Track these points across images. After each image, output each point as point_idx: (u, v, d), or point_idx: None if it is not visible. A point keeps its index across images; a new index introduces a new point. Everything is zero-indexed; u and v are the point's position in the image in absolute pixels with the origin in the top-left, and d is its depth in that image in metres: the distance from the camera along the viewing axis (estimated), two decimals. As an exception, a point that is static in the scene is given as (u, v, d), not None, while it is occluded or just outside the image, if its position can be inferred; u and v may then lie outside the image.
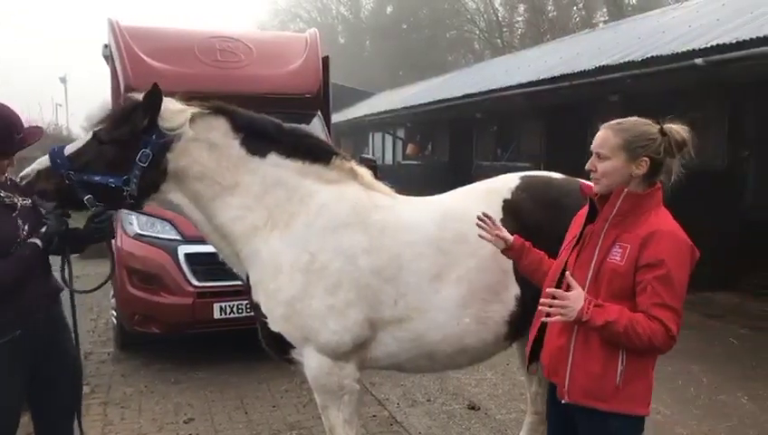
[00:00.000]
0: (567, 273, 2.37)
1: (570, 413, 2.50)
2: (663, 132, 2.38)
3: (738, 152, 9.69)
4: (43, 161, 3.01)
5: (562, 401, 2.43)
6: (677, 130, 2.39)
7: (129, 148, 2.96)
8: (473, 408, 5.17)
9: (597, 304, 2.26)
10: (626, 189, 2.37)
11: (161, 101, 2.97)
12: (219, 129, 3.08)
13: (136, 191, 2.99)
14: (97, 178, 2.95)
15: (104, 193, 2.99)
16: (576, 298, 2.26)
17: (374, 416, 5.02)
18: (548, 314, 2.34)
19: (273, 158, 3.12)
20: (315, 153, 3.19)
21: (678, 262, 2.28)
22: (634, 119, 2.45)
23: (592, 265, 2.39)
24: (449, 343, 3.10)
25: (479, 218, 2.85)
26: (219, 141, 3.07)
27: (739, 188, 9.53)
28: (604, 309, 2.25)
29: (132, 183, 2.97)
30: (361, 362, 3.15)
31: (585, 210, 2.60)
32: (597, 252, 2.39)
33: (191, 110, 3.05)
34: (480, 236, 2.85)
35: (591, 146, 2.45)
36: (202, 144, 3.04)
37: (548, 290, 2.36)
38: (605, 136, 2.42)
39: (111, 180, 2.96)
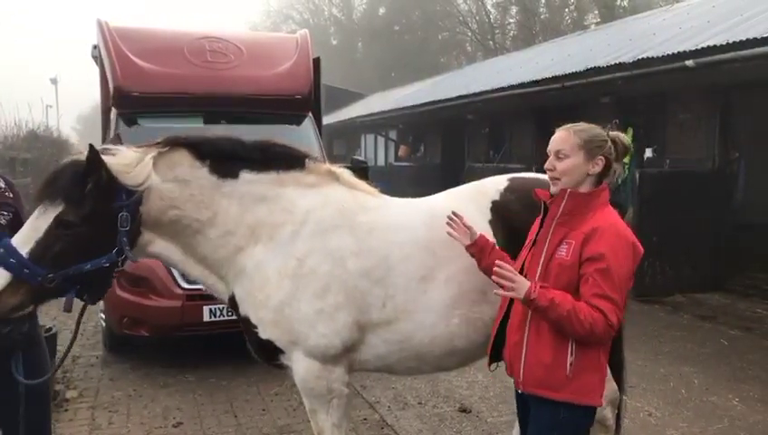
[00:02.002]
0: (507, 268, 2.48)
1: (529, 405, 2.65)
2: (611, 138, 2.57)
3: (728, 153, 9.71)
4: None
5: (519, 391, 2.58)
6: (622, 137, 2.61)
7: (106, 218, 2.70)
8: (464, 410, 5.15)
9: (543, 285, 2.41)
10: (569, 190, 2.51)
11: (101, 159, 2.67)
12: (183, 163, 2.91)
13: (131, 253, 2.79)
14: (88, 267, 2.67)
15: (96, 276, 2.74)
16: (523, 281, 2.40)
17: (365, 419, 4.99)
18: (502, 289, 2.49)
19: (245, 176, 2.99)
20: (287, 160, 3.10)
21: (618, 257, 2.40)
22: (586, 123, 2.61)
23: (541, 261, 2.52)
24: (438, 344, 3.07)
25: (449, 218, 2.92)
26: (187, 176, 2.91)
27: (729, 190, 9.56)
28: (549, 290, 2.39)
29: (126, 251, 2.75)
30: (350, 365, 3.12)
31: (539, 216, 2.73)
32: (545, 249, 2.52)
33: (150, 154, 2.84)
34: (448, 233, 2.91)
35: (549, 147, 2.58)
36: (170, 184, 2.87)
37: (497, 263, 2.46)
38: (564, 136, 2.56)
39: (104, 260, 2.70)
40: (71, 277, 2.67)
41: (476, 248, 2.87)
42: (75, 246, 2.65)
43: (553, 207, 2.54)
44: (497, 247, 2.91)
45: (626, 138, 2.61)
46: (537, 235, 2.63)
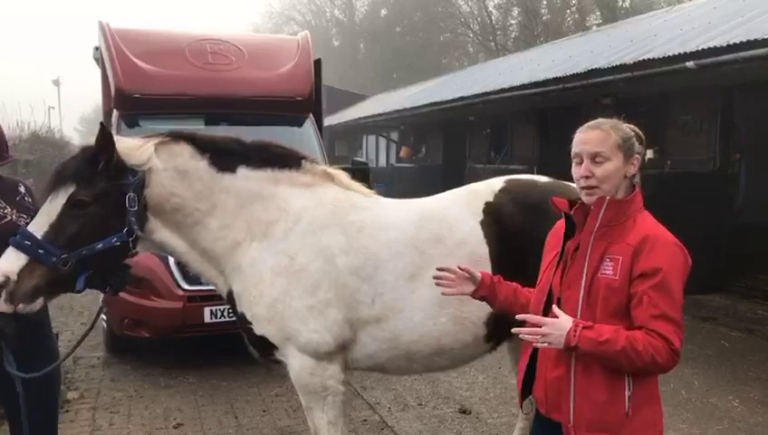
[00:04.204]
0: (554, 306, 2.15)
1: None
2: (633, 132, 2.24)
3: (730, 155, 9.71)
4: (12, 261, 2.64)
5: (538, 420, 2.23)
6: (637, 128, 2.27)
7: (115, 198, 2.83)
8: (464, 412, 5.15)
9: (586, 325, 2.04)
10: (607, 197, 2.17)
11: (112, 137, 2.85)
12: (183, 154, 3.04)
13: (141, 233, 2.91)
14: (100, 246, 2.78)
15: (108, 257, 2.87)
16: (560, 323, 2.05)
17: (365, 420, 5.00)
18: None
19: (242, 171, 3.10)
20: (283, 160, 3.19)
21: (674, 269, 2.09)
22: (610, 119, 2.27)
23: (582, 282, 2.16)
24: (426, 343, 3.11)
25: (435, 277, 2.57)
26: (187, 166, 3.03)
27: (730, 191, 9.56)
28: (595, 330, 2.03)
29: (135, 230, 2.88)
30: (345, 364, 3.17)
31: (557, 227, 2.41)
32: (586, 268, 2.16)
33: (152, 142, 2.99)
34: (444, 294, 2.59)
35: (579, 149, 2.20)
36: (171, 173, 2.99)
37: (519, 316, 2.16)
38: (602, 136, 2.17)
39: (115, 239, 2.82)
40: (83, 259, 2.76)
41: (486, 290, 2.51)
42: (88, 226, 2.77)
43: (590, 219, 2.18)
44: (505, 281, 2.57)
45: (638, 129, 2.28)
46: (563, 250, 2.29)
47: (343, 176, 3.30)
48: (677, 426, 4.89)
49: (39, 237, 2.68)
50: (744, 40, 7.34)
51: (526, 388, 2.38)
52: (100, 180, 2.81)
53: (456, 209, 3.22)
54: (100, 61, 7.31)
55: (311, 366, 3.05)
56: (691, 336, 7.24)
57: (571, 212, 2.26)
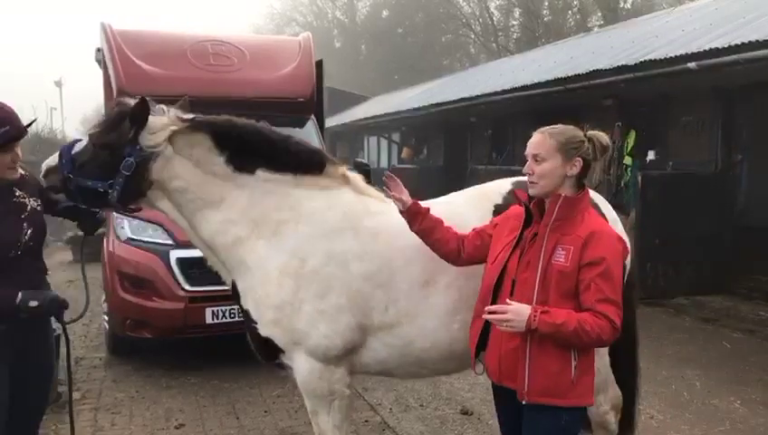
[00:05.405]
0: (507, 300, 2.47)
1: (519, 411, 2.58)
2: (588, 138, 2.56)
3: (731, 156, 9.69)
4: (54, 158, 3.10)
5: (523, 403, 2.50)
6: (600, 135, 2.59)
7: (116, 154, 2.98)
8: (466, 413, 5.16)
9: (543, 310, 2.38)
10: (562, 195, 2.52)
11: (148, 115, 2.97)
12: (202, 145, 3.04)
13: (116, 198, 3.01)
14: (89, 183, 3.00)
15: (92, 197, 3.05)
16: (518, 310, 2.38)
17: (366, 421, 5.00)
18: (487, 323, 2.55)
19: (261, 173, 3.08)
20: (307, 164, 3.15)
21: (615, 258, 2.46)
22: (562, 125, 2.62)
23: (539, 268, 2.49)
24: (438, 349, 3.10)
25: (387, 175, 2.93)
26: (202, 158, 3.04)
27: (732, 192, 9.55)
28: (551, 314, 2.37)
29: (115, 189, 2.98)
30: (351, 368, 3.15)
31: (515, 212, 2.74)
32: (542, 255, 2.49)
33: (172, 127, 3.01)
34: (391, 196, 2.90)
35: (527, 151, 2.59)
36: (184, 160, 3.02)
37: (487, 308, 2.47)
38: (541, 139, 2.56)
39: (99, 184, 2.99)
40: (78, 186, 3.01)
41: (408, 215, 2.88)
42: (91, 162, 3.00)
43: (547, 215, 2.54)
44: (430, 215, 2.89)
45: (604, 136, 2.60)
46: (520, 236, 2.62)
47: (360, 180, 3.26)
48: (679, 427, 4.89)
49: (71, 153, 3.03)
50: (746, 41, 7.35)
51: (477, 352, 2.71)
52: (112, 134, 2.99)
53: (466, 212, 3.21)
54: (102, 62, 7.31)
55: (318, 370, 3.03)
56: (693, 338, 7.24)
57: (531, 203, 2.61)
